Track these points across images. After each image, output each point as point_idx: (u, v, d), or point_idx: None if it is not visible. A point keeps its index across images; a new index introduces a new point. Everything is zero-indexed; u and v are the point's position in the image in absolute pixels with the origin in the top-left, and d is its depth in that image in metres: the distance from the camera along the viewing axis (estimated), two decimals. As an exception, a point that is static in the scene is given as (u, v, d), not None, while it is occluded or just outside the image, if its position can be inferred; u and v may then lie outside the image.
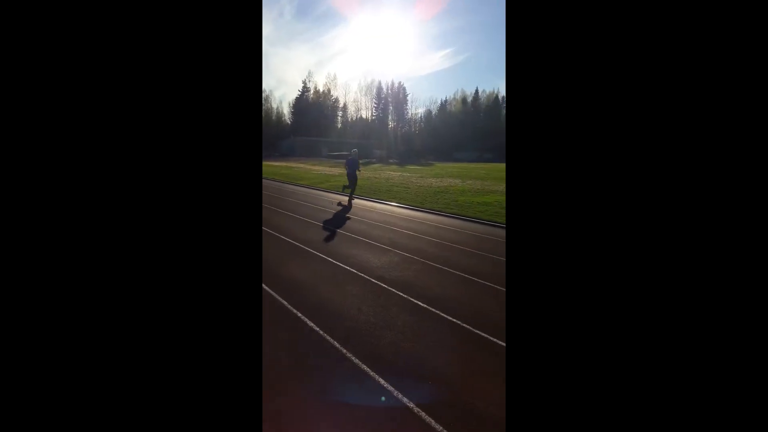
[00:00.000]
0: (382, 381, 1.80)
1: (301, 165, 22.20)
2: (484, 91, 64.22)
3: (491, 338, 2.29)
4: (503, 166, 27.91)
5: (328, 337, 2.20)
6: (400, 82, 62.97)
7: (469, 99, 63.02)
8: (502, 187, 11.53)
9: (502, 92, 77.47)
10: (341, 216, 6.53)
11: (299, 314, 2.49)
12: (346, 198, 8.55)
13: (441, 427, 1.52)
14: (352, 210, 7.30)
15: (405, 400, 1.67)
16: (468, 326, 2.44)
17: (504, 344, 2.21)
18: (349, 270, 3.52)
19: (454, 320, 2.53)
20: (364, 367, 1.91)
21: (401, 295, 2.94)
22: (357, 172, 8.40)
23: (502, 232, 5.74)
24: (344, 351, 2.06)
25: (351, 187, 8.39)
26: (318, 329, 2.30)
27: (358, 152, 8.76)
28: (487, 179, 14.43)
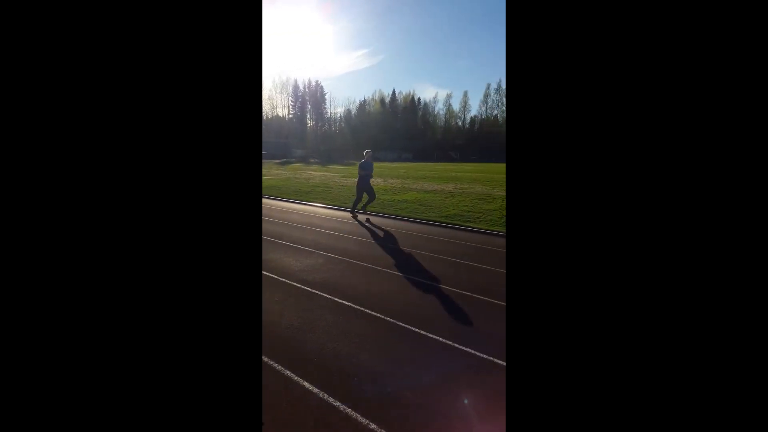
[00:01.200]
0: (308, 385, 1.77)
1: (212, 166, 20.34)
2: (401, 92, 66.87)
3: (413, 328, 2.42)
4: (421, 165, 29.47)
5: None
6: (317, 81, 62.06)
7: (387, 100, 64.98)
8: (420, 185, 12.15)
9: (418, 94, 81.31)
10: (259, 219, 6.17)
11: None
12: (366, 215, 6.90)
13: (367, 420, 1.55)
14: (269, 212, 6.96)
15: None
16: (391, 319, 2.54)
17: (426, 333, 2.36)
18: (267, 275, 3.36)
19: (380, 315, 2.60)
20: (288, 373, 1.86)
21: (326, 297, 2.91)
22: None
23: (421, 227, 6.08)
24: (268, 360, 1.97)
25: (369, 197, 6.74)
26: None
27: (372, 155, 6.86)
28: (406, 178, 15.03)
